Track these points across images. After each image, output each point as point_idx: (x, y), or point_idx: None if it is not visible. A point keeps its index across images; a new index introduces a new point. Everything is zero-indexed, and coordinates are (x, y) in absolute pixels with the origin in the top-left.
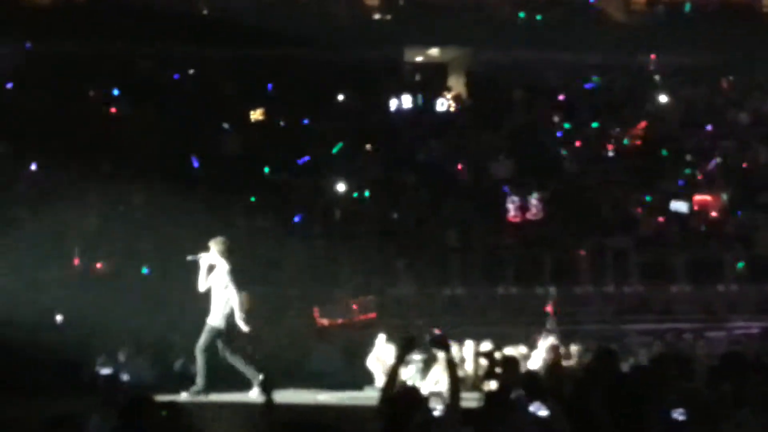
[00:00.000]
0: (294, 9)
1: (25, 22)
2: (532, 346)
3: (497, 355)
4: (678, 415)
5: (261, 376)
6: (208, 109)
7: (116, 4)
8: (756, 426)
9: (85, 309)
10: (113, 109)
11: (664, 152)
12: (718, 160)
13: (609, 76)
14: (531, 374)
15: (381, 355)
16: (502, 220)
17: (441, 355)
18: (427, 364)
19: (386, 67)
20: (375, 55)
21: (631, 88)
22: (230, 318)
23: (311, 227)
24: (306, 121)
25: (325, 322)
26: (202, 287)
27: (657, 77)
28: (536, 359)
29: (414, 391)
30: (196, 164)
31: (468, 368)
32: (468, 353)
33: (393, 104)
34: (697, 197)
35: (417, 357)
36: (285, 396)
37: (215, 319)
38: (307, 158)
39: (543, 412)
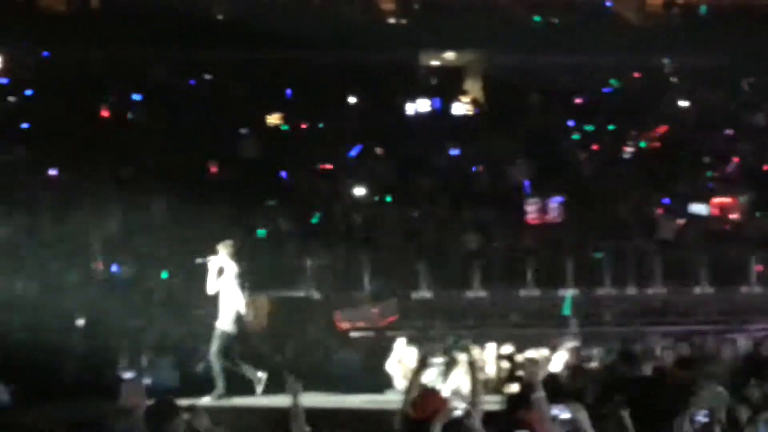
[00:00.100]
0: (309, 13)
1: (42, 30)
2: (553, 348)
3: (519, 357)
4: (702, 417)
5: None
6: (224, 114)
7: (131, 10)
8: None
9: (107, 313)
10: (130, 115)
11: (682, 155)
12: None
13: (625, 78)
14: (553, 377)
15: (402, 359)
16: (521, 223)
17: (462, 357)
18: (448, 367)
19: (402, 71)
20: (391, 59)
21: (648, 90)
22: (238, 321)
23: (331, 231)
24: (322, 125)
25: (345, 325)
26: (211, 290)
27: (673, 79)
28: (558, 362)
29: (437, 393)
30: (214, 169)
31: (490, 371)
32: (490, 356)
33: (409, 108)
34: (716, 200)
35: (438, 360)
36: (306, 400)
37: (225, 323)
38: (326, 163)
39: (565, 415)
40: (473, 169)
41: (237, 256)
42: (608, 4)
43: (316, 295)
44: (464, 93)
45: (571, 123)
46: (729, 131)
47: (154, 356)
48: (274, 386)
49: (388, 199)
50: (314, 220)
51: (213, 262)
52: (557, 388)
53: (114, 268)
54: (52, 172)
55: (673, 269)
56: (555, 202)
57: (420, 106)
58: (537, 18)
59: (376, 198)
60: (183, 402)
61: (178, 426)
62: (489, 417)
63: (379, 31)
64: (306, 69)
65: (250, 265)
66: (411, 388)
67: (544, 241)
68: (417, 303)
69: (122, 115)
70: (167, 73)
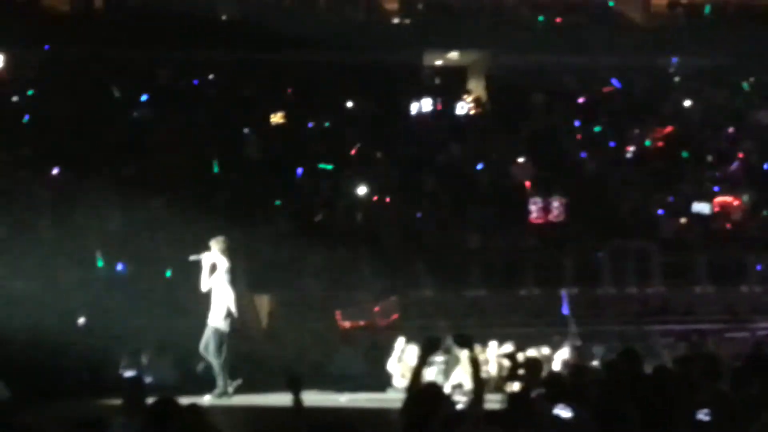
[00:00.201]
0: (313, 13)
1: (47, 29)
2: (554, 347)
3: (520, 356)
4: (703, 416)
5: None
6: (228, 114)
7: (136, 10)
8: None
9: (107, 312)
10: (134, 114)
11: (685, 154)
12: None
13: (629, 78)
14: (554, 375)
15: (403, 357)
16: (523, 222)
17: (464, 355)
18: (449, 365)
19: (406, 70)
20: (394, 59)
21: (651, 90)
22: (230, 317)
23: (333, 230)
24: (326, 125)
25: (347, 324)
26: (204, 287)
27: (677, 79)
28: (559, 361)
29: (437, 388)
30: (217, 168)
31: (491, 370)
32: (491, 354)
33: (413, 108)
34: (719, 199)
35: (439, 358)
36: (307, 398)
37: (216, 320)
38: (328, 163)
39: (566, 414)
40: (479, 166)
41: (229, 252)
42: (611, 4)
43: (317, 294)
44: (468, 93)
45: (574, 123)
46: (732, 130)
47: (155, 355)
48: (275, 385)
49: (390, 198)
50: (318, 219)
51: (206, 259)
52: (558, 387)
53: (116, 266)
54: (55, 171)
55: (674, 268)
56: (557, 202)
57: (423, 105)
58: (541, 18)
59: (378, 197)
60: (184, 401)
61: (180, 425)
62: (489, 416)
63: (383, 31)
64: (310, 69)
65: (251, 264)
66: (412, 385)
67: (545, 240)
68: (418, 302)
69: (125, 115)
70: (171, 73)
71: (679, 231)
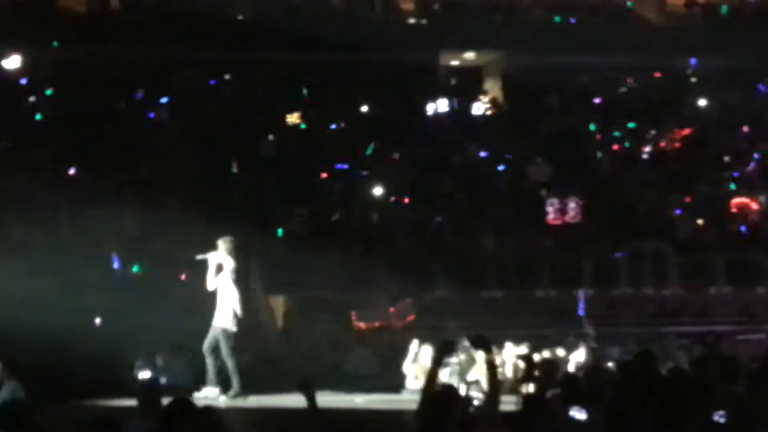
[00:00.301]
0: (329, 13)
1: (63, 30)
2: (570, 348)
3: (535, 357)
4: (719, 417)
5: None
6: (244, 114)
7: (152, 11)
8: None
9: (123, 312)
10: (151, 115)
11: (701, 155)
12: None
13: (645, 79)
14: (569, 377)
15: (418, 358)
16: (539, 223)
17: (480, 357)
18: (465, 366)
19: (422, 71)
20: (411, 59)
21: (668, 91)
22: (236, 317)
23: (349, 231)
24: (342, 125)
25: (362, 325)
26: (210, 286)
27: (693, 80)
28: (574, 362)
29: (452, 389)
30: (233, 169)
31: (507, 371)
32: (507, 356)
33: (429, 108)
34: (735, 199)
35: (454, 360)
36: (322, 399)
37: (222, 320)
38: (344, 163)
39: (581, 416)
40: (496, 167)
41: (236, 252)
42: (628, 4)
43: (332, 295)
44: (484, 93)
45: (590, 123)
46: (749, 131)
47: (170, 356)
48: (290, 386)
49: (406, 198)
50: (334, 219)
51: (212, 259)
52: (574, 389)
53: (131, 267)
54: (71, 171)
55: (690, 269)
56: (574, 203)
57: (439, 106)
58: (557, 18)
59: (393, 198)
60: (199, 402)
61: (195, 426)
62: (504, 417)
63: (399, 32)
64: (326, 69)
65: (267, 265)
66: (428, 387)
67: (561, 241)
68: (433, 303)
69: (142, 115)
70: (187, 74)
71: (695, 232)
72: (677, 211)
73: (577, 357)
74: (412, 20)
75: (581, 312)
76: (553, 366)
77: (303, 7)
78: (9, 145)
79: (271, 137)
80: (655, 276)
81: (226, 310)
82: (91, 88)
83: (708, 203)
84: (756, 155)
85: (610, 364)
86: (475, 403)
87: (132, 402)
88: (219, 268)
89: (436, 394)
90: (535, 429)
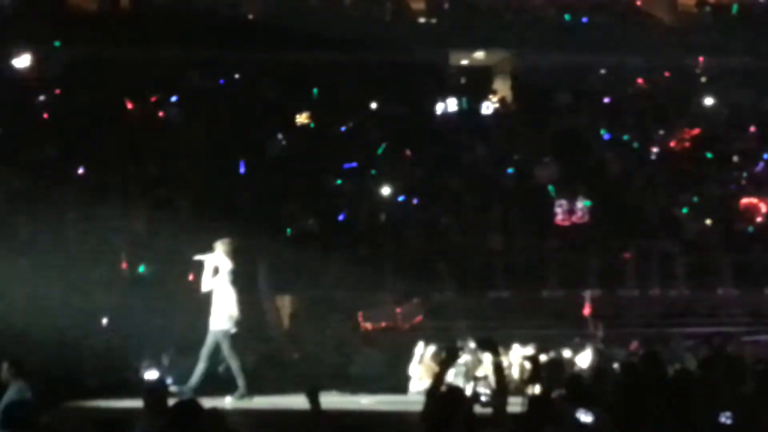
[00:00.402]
0: (339, 13)
1: (73, 29)
2: (576, 349)
3: (541, 358)
4: (725, 419)
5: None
6: (253, 114)
7: (162, 10)
8: None
9: (130, 312)
10: (160, 114)
11: (710, 155)
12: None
13: (655, 78)
14: (575, 377)
15: (423, 360)
16: (546, 224)
17: (487, 358)
18: (471, 368)
19: (431, 70)
20: (420, 59)
21: (677, 90)
22: (232, 319)
23: (356, 231)
24: (351, 125)
25: (369, 326)
26: (205, 287)
27: (703, 79)
28: (581, 363)
29: (458, 391)
30: (242, 169)
31: (513, 373)
32: (514, 358)
33: (438, 108)
34: (744, 200)
35: (460, 361)
36: (328, 400)
37: (219, 323)
38: (353, 163)
39: (587, 418)
40: (504, 168)
41: (233, 254)
42: (638, 3)
43: (339, 295)
44: (493, 93)
45: (600, 123)
46: (758, 131)
47: (176, 356)
48: (296, 387)
49: (415, 199)
50: (341, 218)
51: (209, 260)
52: (580, 390)
53: (139, 267)
54: (80, 170)
55: (698, 270)
56: (582, 205)
57: (449, 105)
58: (567, 17)
59: (401, 198)
60: (205, 402)
61: (202, 427)
62: (511, 419)
63: (409, 31)
64: (335, 69)
65: (274, 265)
66: (434, 389)
67: (568, 241)
68: (440, 304)
69: (151, 115)
70: (196, 73)
71: (703, 232)
72: (684, 212)
73: (584, 358)
74: (421, 20)
75: (588, 313)
76: (558, 367)
77: (313, 6)
78: (18, 144)
79: (280, 137)
80: (663, 276)
81: (223, 312)
82: (100, 88)
83: (716, 203)
84: (765, 155)
85: (616, 365)
86: (483, 399)
87: (138, 403)
88: (216, 270)
89: (441, 396)
90: (541, 430)
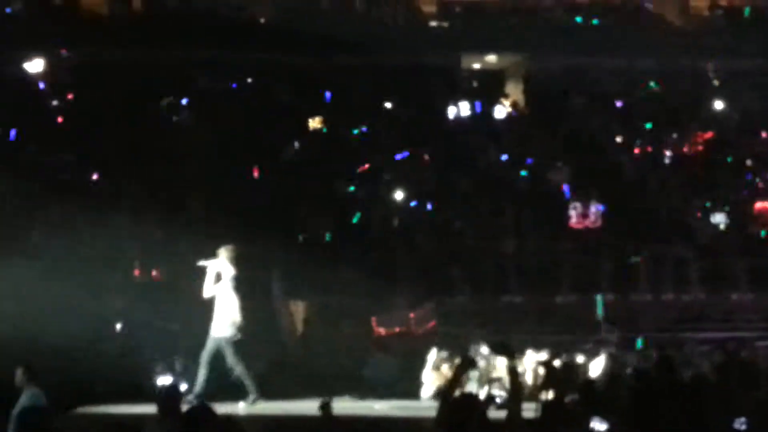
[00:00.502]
0: (351, 16)
1: (85, 33)
2: (589, 354)
3: (555, 364)
4: (740, 424)
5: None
6: (265, 118)
7: (174, 13)
8: None
9: (144, 317)
10: (172, 118)
11: (722, 159)
12: None
13: (667, 81)
14: (588, 383)
15: (436, 366)
16: (560, 228)
17: (501, 363)
18: (484, 373)
19: (444, 74)
20: (432, 63)
21: (689, 93)
22: (234, 326)
23: (369, 236)
24: (363, 129)
25: (382, 331)
26: (207, 293)
27: (715, 82)
28: (595, 368)
29: (472, 397)
30: (255, 173)
31: (527, 379)
32: (528, 364)
33: (450, 111)
34: (758, 204)
35: None
36: (341, 406)
37: (222, 330)
38: (365, 166)
39: (602, 427)
40: (518, 171)
41: (237, 260)
42: (649, 6)
43: (352, 300)
44: (505, 96)
45: (612, 126)
46: None
47: (189, 361)
48: (309, 392)
49: (428, 204)
50: (354, 220)
51: (212, 266)
52: (593, 395)
53: (152, 272)
54: (94, 176)
55: (712, 275)
56: (595, 208)
57: (461, 109)
58: (578, 19)
59: (414, 203)
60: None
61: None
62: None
63: (421, 35)
64: (347, 72)
65: (288, 270)
66: (448, 394)
67: (581, 245)
68: (454, 308)
69: (163, 119)
70: (209, 77)
71: (717, 237)
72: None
73: (597, 363)
74: (433, 23)
75: (602, 317)
76: (572, 372)
77: (325, 10)
78: (31, 149)
79: (292, 141)
80: (676, 281)
81: (225, 318)
82: (113, 91)
83: (730, 208)
84: None
85: (629, 371)
86: (498, 401)
87: (152, 408)
88: (218, 276)
89: (456, 401)
90: None
